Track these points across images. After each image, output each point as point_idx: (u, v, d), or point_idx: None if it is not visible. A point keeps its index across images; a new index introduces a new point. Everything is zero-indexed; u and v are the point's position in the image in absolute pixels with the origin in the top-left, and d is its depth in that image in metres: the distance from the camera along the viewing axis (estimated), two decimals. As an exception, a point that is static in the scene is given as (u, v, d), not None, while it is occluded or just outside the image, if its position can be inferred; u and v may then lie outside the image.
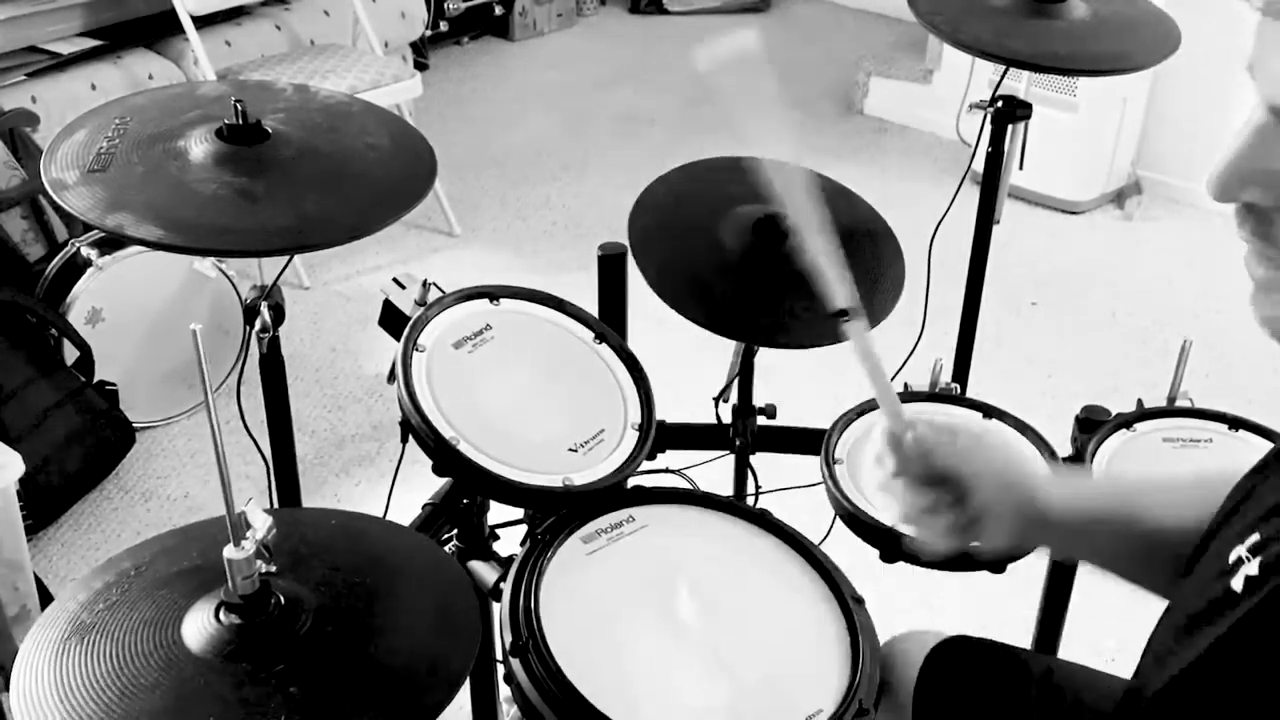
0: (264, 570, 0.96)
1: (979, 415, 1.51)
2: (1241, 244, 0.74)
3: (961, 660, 1.27)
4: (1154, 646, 0.87)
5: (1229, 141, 0.70)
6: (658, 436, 1.39)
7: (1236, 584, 0.75)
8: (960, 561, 1.34)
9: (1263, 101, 0.69)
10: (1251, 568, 0.75)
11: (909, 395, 1.55)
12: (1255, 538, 0.77)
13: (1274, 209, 0.70)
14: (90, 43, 3.20)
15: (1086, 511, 1.02)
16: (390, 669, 0.95)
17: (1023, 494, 1.00)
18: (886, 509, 1.04)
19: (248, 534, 0.95)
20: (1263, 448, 1.51)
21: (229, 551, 0.94)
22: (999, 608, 2.11)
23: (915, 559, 1.34)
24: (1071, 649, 1.69)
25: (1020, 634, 1.69)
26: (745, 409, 1.70)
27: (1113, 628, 2.17)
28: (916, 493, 1.02)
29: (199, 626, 0.95)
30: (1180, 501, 1.01)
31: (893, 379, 2.03)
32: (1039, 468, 1.03)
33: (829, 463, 1.42)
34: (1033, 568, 1.52)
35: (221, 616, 0.95)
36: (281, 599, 0.96)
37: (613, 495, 1.27)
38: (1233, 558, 0.77)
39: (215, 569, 0.95)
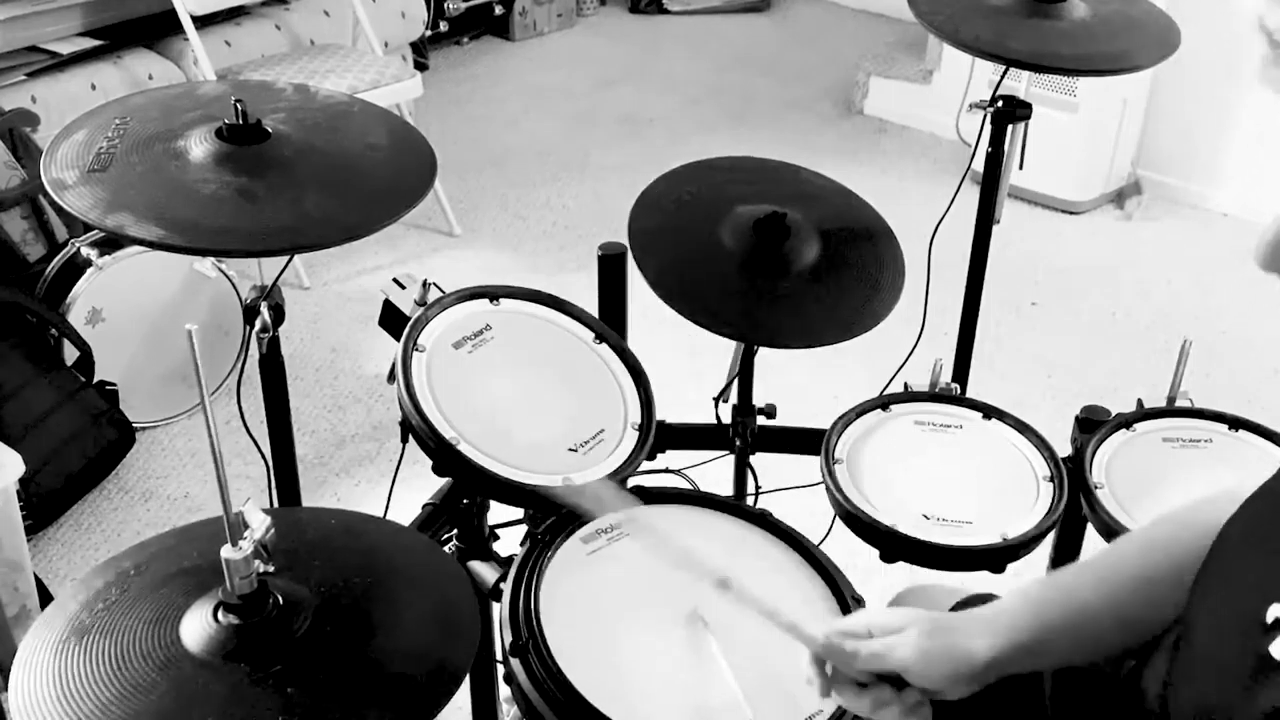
0: (262, 570, 0.96)
1: (979, 415, 1.52)
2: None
3: None
4: (1189, 693, 0.84)
5: (1278, 212, 0.69)
6: (658, 436, 1.39)
7: (1276, 649, 0.73)
8: (960, 560, 1.34)
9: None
10: None
11: (909, 395, 1.55)
12: None
13: None
14: (90, 43, 3.20)
15: (1026, 642, 0.99)
16: (389, 669, 0.95)
17: (953, 660, 0.98)
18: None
19: (245, 534, 0.95)
20: (1263, 448, 1.51)
21: (226, 552, 0.94)
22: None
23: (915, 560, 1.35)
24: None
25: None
26: (745, 409, 1.70)
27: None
28: (857, 696, 1.01)
29: (197, 627, 0.95)
30: (1123, 581, 1.00)
31: (893, 379, 2.04)
32: (961, 626, 1.01)
33: (829, 463, 1.42)
34: (1032, 566, 1.52)
35: (220, 617, 0.95)
36: (280, 599, 0.96)
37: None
38: (1270, 617, 0.75)
39: (214, 569, 0.95)
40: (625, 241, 1.58)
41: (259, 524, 0.96)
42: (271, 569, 0.98)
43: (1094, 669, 1.23)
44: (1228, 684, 0.77)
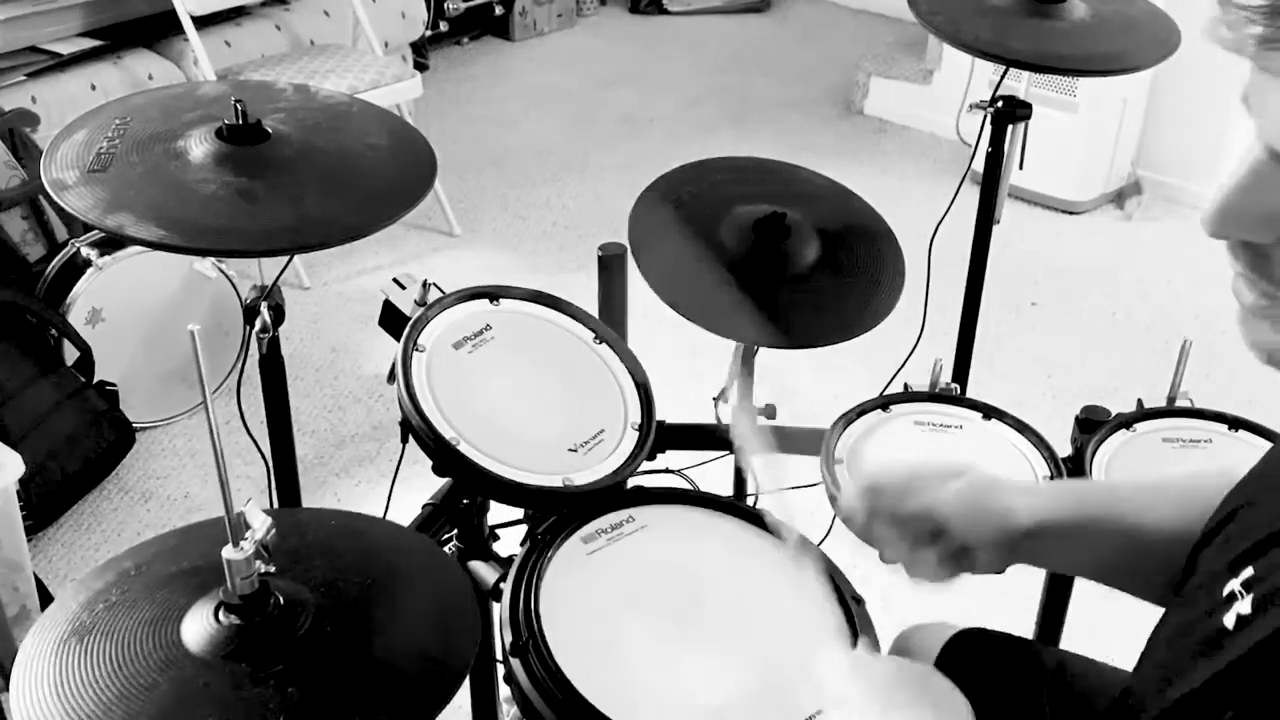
0: (263, 570, 0.96)
1: (979, 415, 1.52)
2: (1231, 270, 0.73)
3: (977, 653, 1.27)
4: (1151, 662, 0.87)
5: (1224, 179, 0.69)
6: (658, 436, 1.39)
7: (1229, 620, 0.75)
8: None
9: (1260, 141, 0.67)
10: (1244, 605, 0.75)
11: (909, 395, 1.55)
12: (1249, 572, 0.76)
13: (1272, 245, 0.69)
14: (90, 43, 3.20)
15: (1065, 520, 1.00)
16: (390, 669, 0.95)
17: (995, 515, 1.00)
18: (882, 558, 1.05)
19: (246, 534, 0.95)
20: (1263, 448, 1.51)
21: (228, 552, 0.94)
22: (999, 603, 2.11)
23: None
24: (1072, 644, 1.69)
25: (1021, 632, 1.69)
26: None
27: (1113, 621, 2.17)
28: (895, 538, 1.02)
29: (198, 627, 0.95)
30: (1165, 503, 1.01)
31: (893, 379, 2.03)
32: (1006, 486, 1.01)
33: (829, 463, 1.42)
34: (1032, 566, 1.52)
35: (221, 617, 0.95)
36: (281, 599, 0.96)
37: (613, 495, 1.27)
38: (1226, 590, 0.77)
39: (215, 569, 0.95)
40: (625, 241, 1.58)
41: (260, 524, 0.96)
42: (273, 569, 0.98)
43: (1098, 669, 1.23)
44: (1189, 653, 0.79)
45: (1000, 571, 1.03)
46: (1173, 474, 1.06)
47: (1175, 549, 0.97)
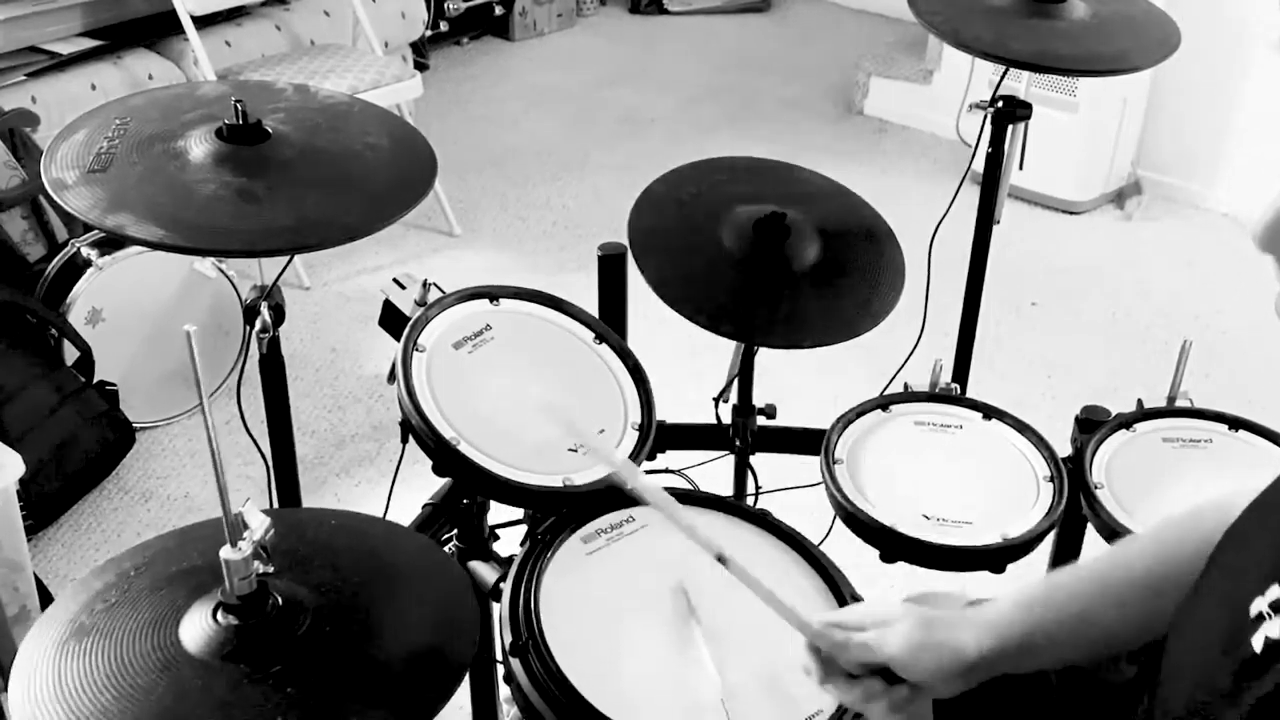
0: (261, 571, 0.96)
1: (979, 415, 1.52)
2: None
3: None
4: (1176, 670, 0.85)
5: (1275, 192, 0.69)
6: (658, 436, 1.39)
7: (1257, 643, 0.73)
8: (960, 560, 1.34)
9: None
10: (1273, 628, 0.73)
11: (909, 395, 1.55)
12: (1277, 591, 0.74)
13: None
14: (90, 43, 3.20)
15: (1018, 641, 0.99)
16: (389, 669, 0.95)
17: (942, 654, 0.99)
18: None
19: (245, 535, 0.95)
20: (1263, 448, 1.51)
21: (226, 552, 0.94)
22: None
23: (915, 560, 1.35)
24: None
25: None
26: (745, 409, 1.70)
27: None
28: (849, 687, 1.02)
29: (197, 627, 0.95)
30: (1131, 599, 0.99)
31: (893, 379, 2.03)
32: (950, 622, 1.01)
33: (829, 463, 1.42)
34: (1033, 566, 1.52)
35: (219, 617, 0.95)
36: (279, 599, 0.96)
37: (613, 495, 1.27)
38: (1254, 610, 0.75)
39: (214, 570, 0.95)
40: (625, 241, 1.58)
41: (258, 525, 0.96)
42: (271, 569, 0.98)
43: (1099, 676, 1.23)
44: (1214, 680, 0.77)
45: (959, 692, 1.02)
46: (1133, 571, 1.03)
47: (1146, 634, 0.97)
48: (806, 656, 1.04)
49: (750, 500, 1.78)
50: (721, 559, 1.03)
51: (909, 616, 1.00)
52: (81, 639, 0.94)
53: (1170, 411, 1.56)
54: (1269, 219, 0.68)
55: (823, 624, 1.03)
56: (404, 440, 1.34)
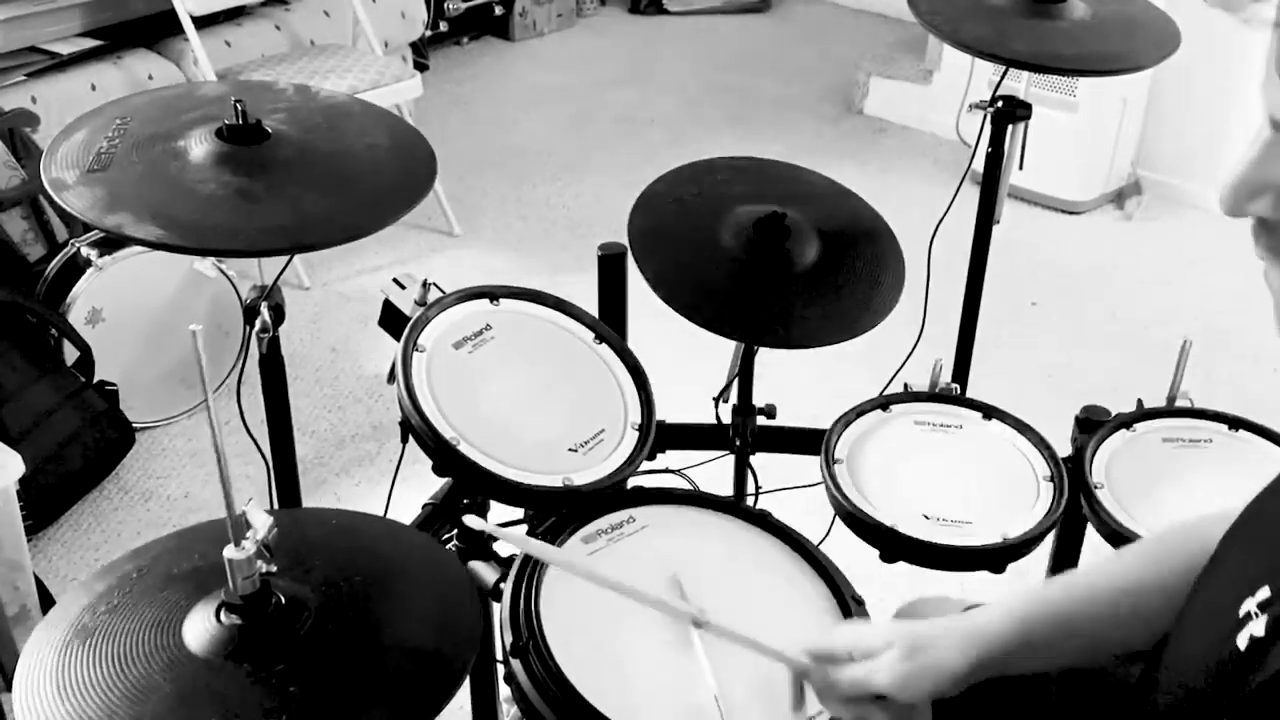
0: (264, 570, 0.96)
1: (979, 415, 1.52)
2: (1240, 246, 0.74)
3: None
4: (1171, 662, 0.86)
5: (1237, 155, 0.70)
6: (658, 436, 1.39)
7: (1242, 641, 0.74)
8: (960, 560, 1.34)
9: (1267, 116, 0.68)
10: (1258, 626, 0.73)
11: (909, 395, 1.55)
12: (1265, 593, 0.75)
13: (1276, 220, 0.70)
14: (90, 43, 3.20)
15: (1008, 649, 1.00)
16: (391, 668, 0.95)
17: (931, 675, 0.99)
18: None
19: (248, 534, 0.95)
20: (1263, 448, 1.51)
21: (229, 552, 0.94)
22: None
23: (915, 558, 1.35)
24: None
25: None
26: (745, 409, 1.70)
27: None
28: (845, 710, 1.03)
29: (200, 627, 0.95)
30: (1125, 606, 1.00)
31: (893, 379, 2.04)
32: (938, 640, 1.01)
33: (829, 463, 1.42)
34: (1033, 567, 1.53)
35: (222, 617, 0.95)
36: (282, 599, 0.96)
37: (613, 495, 1.27)
38: (1243, 610, 0.76)
39: (216, 570, 0.95)
40: (625, 241, 1.58)
41: (262, 524, 0.96)
42: (274, 569, 0.98)
43: (1102, 673, 1.23)
44: (1200, 677, 0.78)
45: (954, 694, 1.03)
46: (1118, 578, 1.04)
47: (1135, 644, 0.98)
48: (790, 689, 1.05)
49: (750, 500, 1.78)
50: (698, 623, 1.06)
51: (895, 643, 1.00)
52: (85, 640, 0.94)
53: (1170, 411, 1.56)
54: (1233, 180, 0.69)
55: (811, 656, 1.04)
56: (404, 440, 1.34)
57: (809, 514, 1.54)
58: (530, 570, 1.15)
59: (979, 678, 1.00)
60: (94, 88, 3.09)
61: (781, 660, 1.04)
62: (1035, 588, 1.06)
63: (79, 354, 2.49)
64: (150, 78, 3.21)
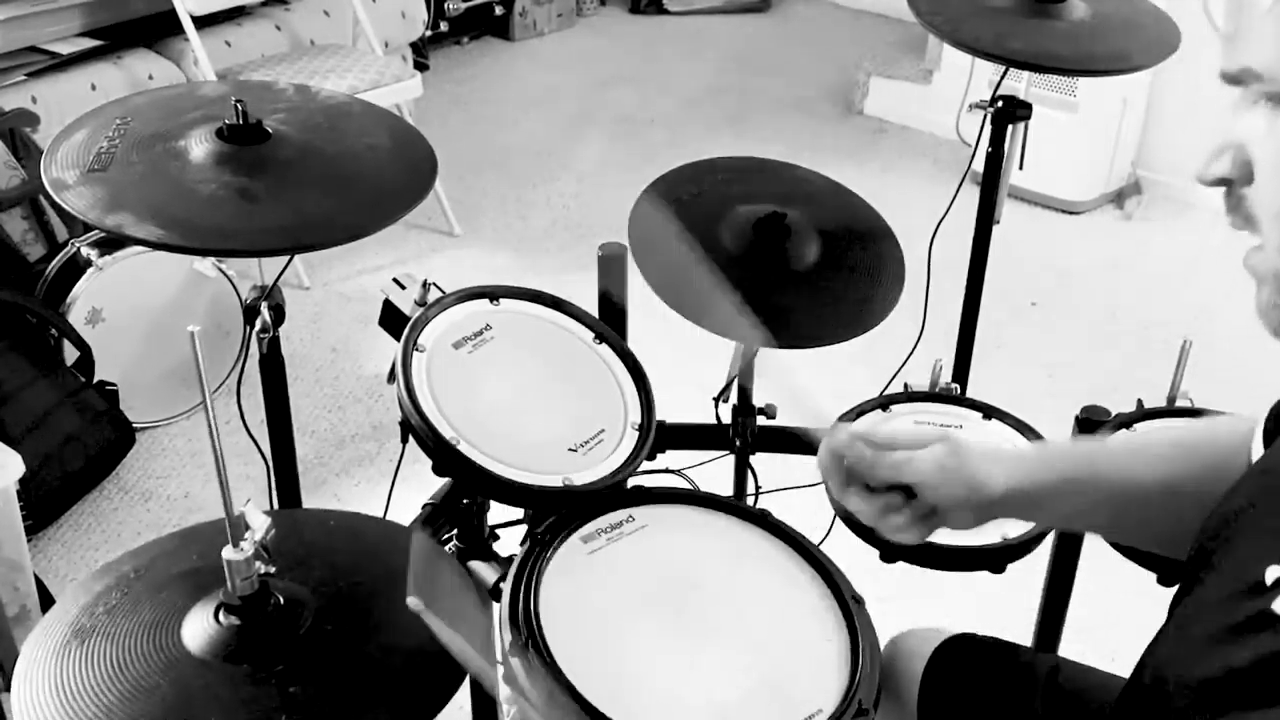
0: (263, 571, 0.96)
1: (979, 415, 1.52)
2: (1240, 246, 0.75)
3: (967, 659, 1.27)
4: (1178, 638, 0.85)
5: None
6: (658, 436, 1.39)
7: (1278, 606, 0.73)
8: (960, 560, 1.34)
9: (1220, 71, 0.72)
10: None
11: (909, 395, 1.55)
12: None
13: (1238, 180, 0.73)
14: (90, 43, 3.20)
15: (1041, 486, 1.02)
16: (389, 668, 0.95)
17: (968, 482, 1.01)
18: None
19: (246, 535, 0.95)
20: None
21: (228, 553, 0.94)
22: (999, 606, 2.11)
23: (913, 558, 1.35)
24: (1071, 648, 1.69)
25: (1020, 633, 1.69)
26: (745, 409, 1.70)
27: (1113, 626, 2.17)
28: (867, 499, 1.04)
29: (199, 628, 0.95)
30: (1153, 458, 1.04)
31: (893, 379, 2.04)
32: (982, 453, 1.03)
33: (829, 463, 1.42)
34: (1033, 567, 1.52)
35: (221, 618, 0.95)
36: (281, 599, 0.97)
37: (613, 495, 1.27)
38: (1270, 577, 0.75)
39: (215, 570, 0.95)
40: (625, 241, 1.58)
41: (260, 525, 0.96)
42: (272, 570, 0.98)
43: (1092, 674, 1.23)
44: (1216, 640, 0.78)
45: (971, 528, 1.04)
46: (1161, 436, 1.07)
47: (1167, 500, 1.00)
48: (826, 462, 1.05)
49: (750, 500, 1.78)
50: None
51: (943, 442, 1.02)
52: (83, 640, 0.95)
53: (1170, 411, 1.56)
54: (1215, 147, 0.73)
55: (853, 436, 1.04)
56: (404, 440, 1.34)
57: (809, 514, 1.54)
58: (530, 570, 1.15)
59: (1009, 510, 1.03)
60: (94, 88, 3.09)
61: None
62: (1074, 441, 1.10)
63: (79, 354, 2.49)
64: (150, 78, 3.21)
